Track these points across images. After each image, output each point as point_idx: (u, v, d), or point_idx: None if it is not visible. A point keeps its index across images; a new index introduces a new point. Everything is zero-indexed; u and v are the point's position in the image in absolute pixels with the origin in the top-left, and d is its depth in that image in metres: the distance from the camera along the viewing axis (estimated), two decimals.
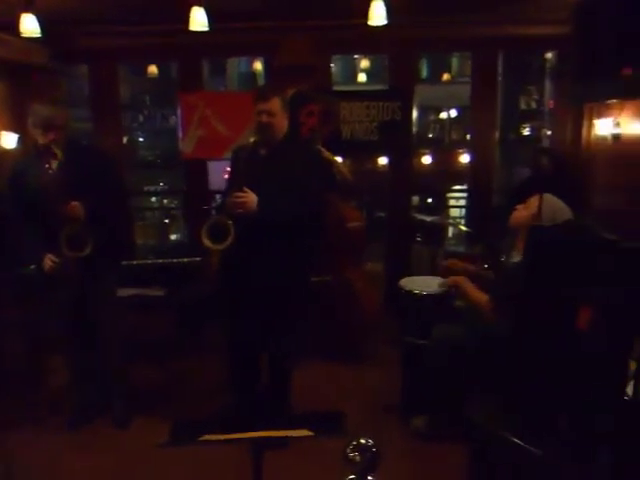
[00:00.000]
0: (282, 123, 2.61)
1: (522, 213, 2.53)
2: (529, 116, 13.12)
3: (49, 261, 2.68)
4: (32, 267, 2.94)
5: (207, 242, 2.52)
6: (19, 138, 4.45)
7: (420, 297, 2.91)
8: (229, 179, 2.75)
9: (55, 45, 4.56)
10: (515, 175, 10.44)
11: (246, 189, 2.48)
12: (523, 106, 13.22)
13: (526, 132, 13.07)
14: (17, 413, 3.09)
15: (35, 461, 2.68)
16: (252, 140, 2.62)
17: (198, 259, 3.61)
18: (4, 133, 4.35)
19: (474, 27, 4.46)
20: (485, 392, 2.22)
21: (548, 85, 10.72)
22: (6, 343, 3.42)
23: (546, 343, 1.76)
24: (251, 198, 2.48)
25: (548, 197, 2.43)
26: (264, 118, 2.53)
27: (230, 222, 2.49)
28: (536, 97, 12.74)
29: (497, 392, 1.99)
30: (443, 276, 2.88)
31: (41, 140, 2.67)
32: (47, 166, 2.65)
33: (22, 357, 3.50)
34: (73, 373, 3.10)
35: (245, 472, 1.50)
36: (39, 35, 3.57)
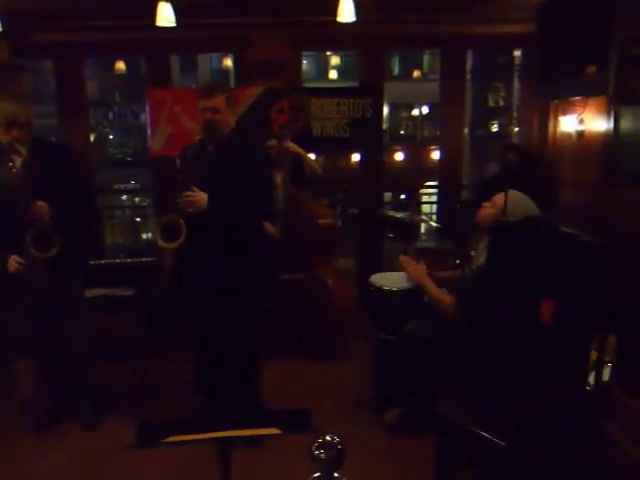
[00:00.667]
0: (227, 119, 2.63)
1: (488, 210, 2.57)
2: (497, 113, 13.37)
3: (14, 262, 2.61)
4: None
5: (160, 241, 2.53)
6: None
7: (390, 293, 2.94)
8: (179, 178, 2.74)
9: (19, 40, 4.44)
10: (485, 171, 10.62)
11: (195, 188, 2.49)
12: (491, 103, 13.46)
13: (494, 129, 13.31)
14: None
15: (2, 463, 2.63)
16: (198, 138, 2.64)
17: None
18: None
19: (443, 25, 4.50)
20: (453, 386, 2.25)
21: (516, 83, 10.92)
22: None
23: (509, 337, 1.80)
24: (200, 197, 2.50)
25: (513, 193, 2.47)
26: (209, 115, 2.54)
27: (182, 221, 2.50)
28: (503, 94, 12.99)
29: (464, 386, 2.03)
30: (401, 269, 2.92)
31: (3, 138, 2.59)
32: (10, 164, 2.57)
33: None
34: (40, 375, 3.03)
35: (214, 471, 1.49)
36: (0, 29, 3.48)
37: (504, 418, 1.78)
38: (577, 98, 3.65)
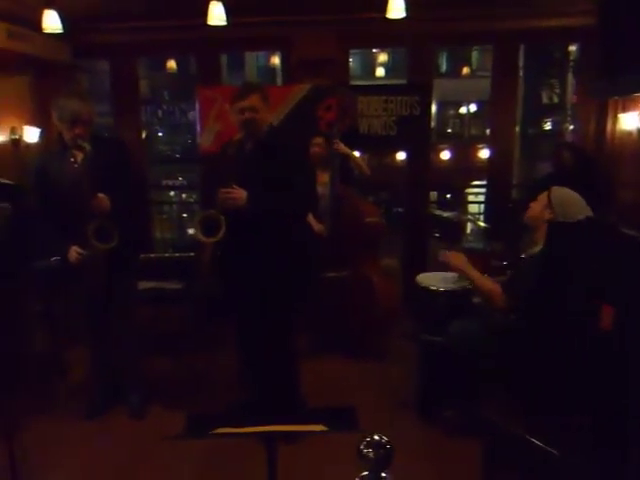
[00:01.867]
0: (265, 117, 2.66)
1: (534, 208, 2.51)
2: (551, 110, 12.89)
3: (75, 253, 2.71)
4: (55, 259, 2.97)
5: (200, 235, 2.56)
6: (41, 132, 4.52)
7: (437, 293, 2.89)
8: (218, 176, 2.76)
9: (76, 41, 4.61)
10: (535, 170, 10.30)
11: (235, 185, 2.53)
12: (545, 100, 12.98)
13: (548, 127, 12.85)
14: (39, 402, 3.15)
15: (52, 447, 2.74)
16: (237, 137, 2.67)
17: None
18: (27, 128, 4.42)
19: (495, 20, 4.39)
20: (502, 390, 2.19)
21: (571, 78, 10.53)
22: (30, 335, 3.48)
23: (566, 342, 1.73)
24: (239, 193, 2.53)
25: (558, 190, 2.40)
26: (248, 114, 2.58)
27: (222, 216, 2.53)
28: (558, 91, 12.50)
29: (513, 389, 1.97)
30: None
31: (67, 134, 2.69)
32: (72, 160, 2.66)
33: (45, 348, 3.56)
34: (93, 363, 3.13)
35: (258, 465, 1.51)
36: (61, 31, 3.62)
37: (557, 425, 1.71)
38: (639, 94, 3.48)
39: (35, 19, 3.68)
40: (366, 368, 3.59)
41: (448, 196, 10.09)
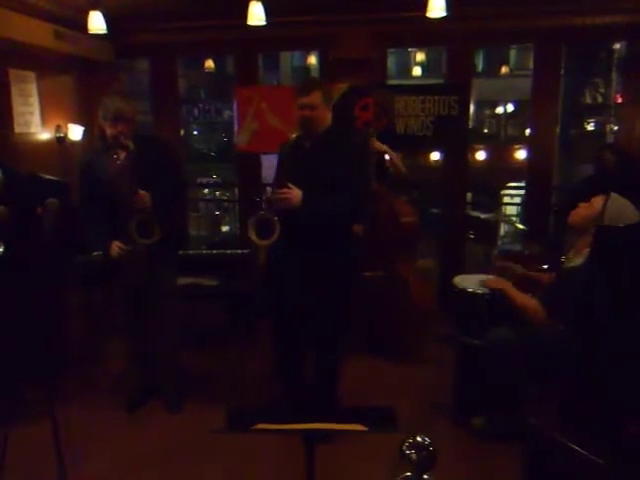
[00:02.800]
0: (324, 116, 2.59)
1: (584, 212, 2.42)
2: (594, 110, 12.46)
3: (116, 248, 2.77)
4: (98, 254, 3.04)
5: (254, 237, 2.54)
6: (84, 130, 4.65)
7: (474, 296, 2.84)
8: (275, 175, 2.77)
9: (118, 41, 4.73)
10: (576, 172, 10.03)
11: (290, 185, 2.48)
12: (588, 100, 12.55)
13: (590, 127, 12.43)
14: (78, 393, 3.24)
15: (95, 435, 2.81)
16: (295, 135, 2.61)
17: (247, 251, 3.66)
18: (71, 126, 4.56)
19: (537, 18, 4.30)
20: (544, 396, 2.14)
21: (615, 77, 10.20)
22: (71, 326, 3.59)
23: (614, 350, 1.68)
24: (294, 194, 2.47)
25: (617, 199, 2.31)
26: (306, 112, 2.53)
27: (276, 218, 2.50)
28: (602, 90, 12.07)
29: (557, 396, 1.92)
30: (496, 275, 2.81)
31: (110, 132, 2.75)
32: (115, 157, 2.72)
33: (85, 340, 3.66)
34: (131, 356, 3.19)
35: (290, 462, 1.51)
36: (105, 31, 3.71)
37: (604, 433, 1.67)
38: None
39: (80, 20, 3.79)
40: (401, 370, 3.57)
41: (483, 197, 9.94)
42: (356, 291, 3.66)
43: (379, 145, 3.67)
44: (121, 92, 2.82)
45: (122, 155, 2.73)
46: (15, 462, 2.26)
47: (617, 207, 2.30)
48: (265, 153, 4.98)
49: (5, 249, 2.76)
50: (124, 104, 2.75)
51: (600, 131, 11.55)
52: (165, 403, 3.13)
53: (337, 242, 2.61)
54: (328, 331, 2.75)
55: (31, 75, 4.16)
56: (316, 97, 2.53)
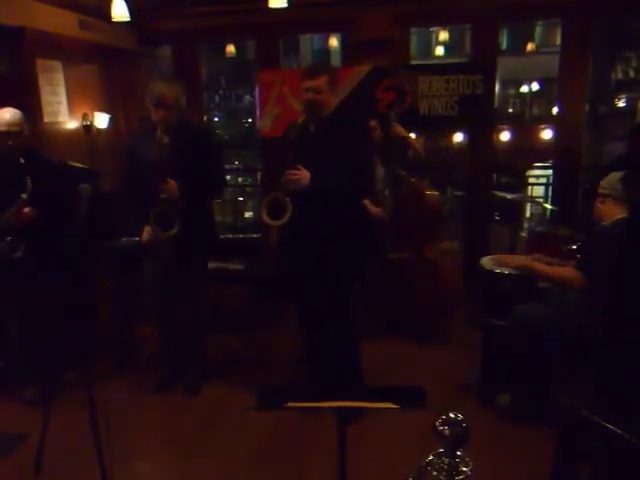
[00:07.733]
0: (329, 100, 2.63)
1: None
2: (625, 86, 11.90)
3: (146, 233, 2.80)
4: (128, 239, 3.09)
5: (266, 218, 2.60)
6: (110, 118, 4.71)
7: (501, 276, 2.82)
8: (284, 157, 2.78)
9: (141, 28, 4.76)
10: (606, 152, 9.76)
11: (299, 166, 2.54)
12: (619, 76, 12.02)
13: (621, 104, 11.91)
14: (112, 375, 3.33)
15: (129, 415, 2.89)
16: (301, 119, 2.67)
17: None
18: (97, 114, 4.62)
19: None
20: (576, 375, 2.12)
21: None
22: (104, 311, 3.67)
23: None
24: (303, 175, 2.54)
25: None
26: (310, 95, 2.56)
27: (287, 199, 2.55)
28: (635, 65, 11.54)
29: (593, 375, 1.90)
30: None
31: (154, 116, 2.76)
32: (157, 142, 2.71)
33: (118, 324, 3.74)
34: (160, 341, 3.25)
35: (316, 443, 1.52)
36: (128, 19, 3.74)
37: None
38: None
39: (104, 9, 3.81)
40: (428, 351, 3.58)
41: (508, 178, 9.75)
42: (383, 274, 3.69)
43: (400, 130, 3.64)
44: (165, 77, 2.80)
45: (165, 140, 2.71)
46: (55, 442, 2.36)
47: None
48: None
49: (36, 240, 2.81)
50: (166, 89, 2.75)
51: (632, 108, 11.07)
52: (183, 384, 3.15)
53: (344, 221, 2.65)
54: (342, 300, 2.78)
55: (58, 65, 4.22)
56: (322, 81, 2.57)
